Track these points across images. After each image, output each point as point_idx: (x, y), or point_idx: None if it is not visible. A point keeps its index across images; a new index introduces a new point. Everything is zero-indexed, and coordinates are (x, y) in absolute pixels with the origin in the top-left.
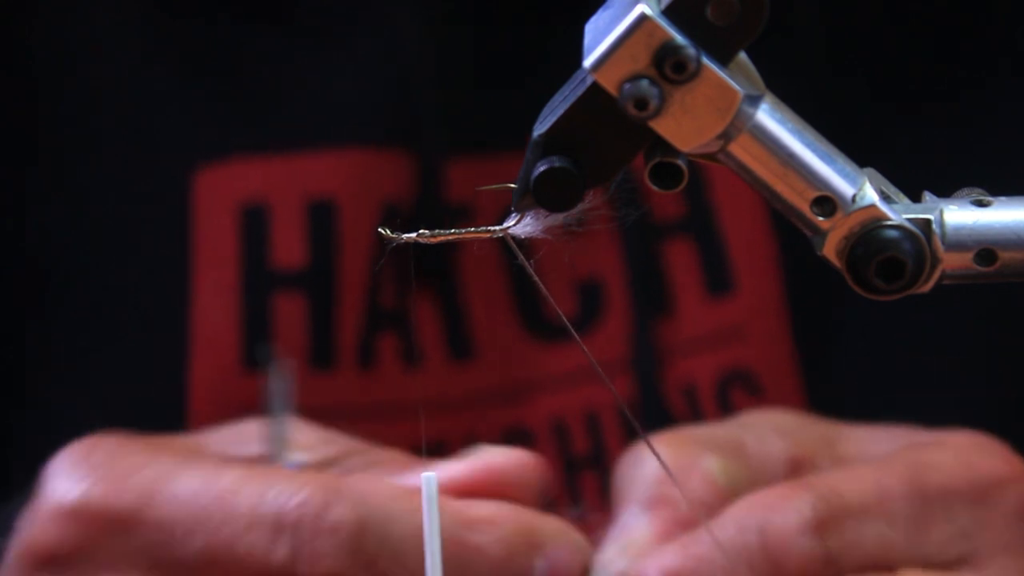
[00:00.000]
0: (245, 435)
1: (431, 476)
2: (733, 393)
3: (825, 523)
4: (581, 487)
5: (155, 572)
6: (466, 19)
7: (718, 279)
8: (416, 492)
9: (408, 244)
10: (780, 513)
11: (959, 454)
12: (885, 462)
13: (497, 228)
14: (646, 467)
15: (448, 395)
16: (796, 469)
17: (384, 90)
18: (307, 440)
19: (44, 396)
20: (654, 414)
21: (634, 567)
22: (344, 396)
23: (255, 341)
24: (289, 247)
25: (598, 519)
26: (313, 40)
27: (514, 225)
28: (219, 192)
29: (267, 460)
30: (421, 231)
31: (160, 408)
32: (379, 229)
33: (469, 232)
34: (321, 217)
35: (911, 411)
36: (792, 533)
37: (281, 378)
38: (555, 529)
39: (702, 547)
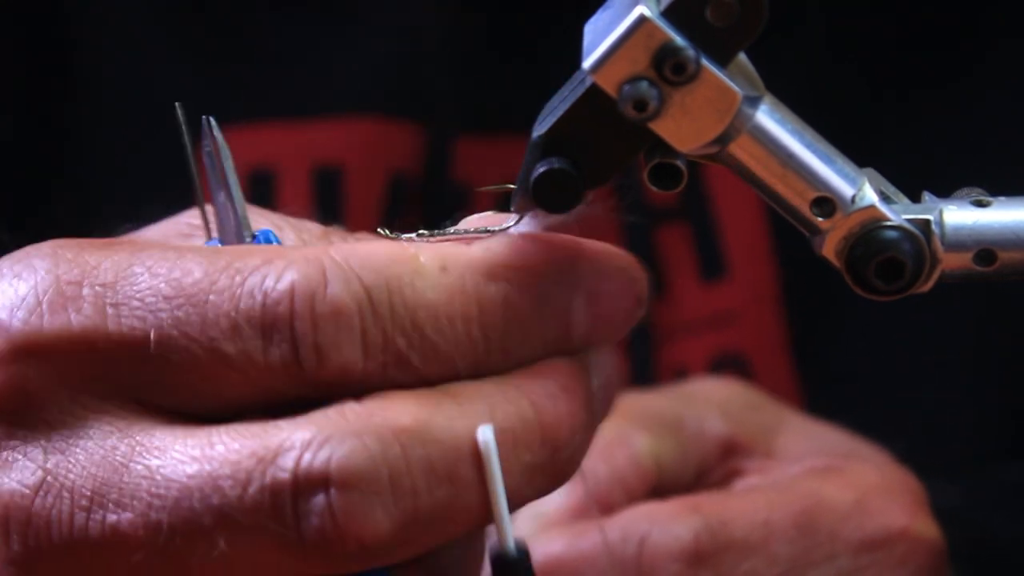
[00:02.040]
0: (183, 224)
1: (487, 430)
2: (726, 377)
3: (702, 554)
4: None
5: (134, 402)
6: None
7: (712, 264)
8: (424, 245)
9: (415, 222)
10: (663, 532)
11: (861, 496)
12: (784, 491)
13: (497, 228)
14: None
15: None
16: (728, 452)
17: (396, 64)
18: (270, 223)
19: None
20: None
21: (537, 539)
22: None
23: None
24: (295, 212)
25: None
26: (327, 12)
27: (514, 225)
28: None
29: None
30: (420, 231)
31: None
32: (379, 229)
33: (469, 233)
34: (328, 183)
35: (901, 395)
36: (667, 556)
37: (224, 146)
38: (607, 259)
39: (588, 544)
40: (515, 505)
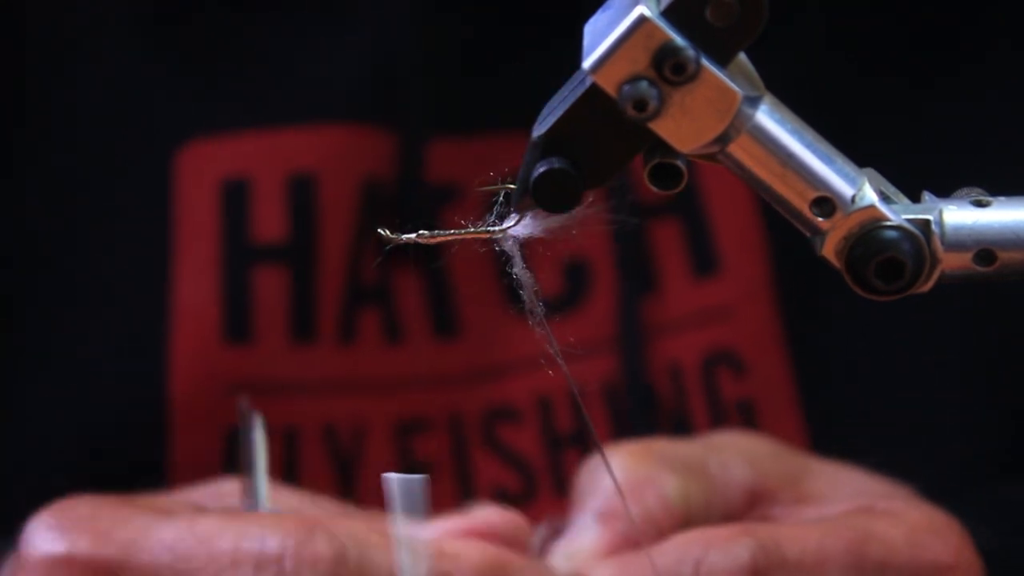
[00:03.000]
0: (223, 492)
1: (412, 478)
2: (718, 373)
3: (759, 573)
4: (565, 465)
5: None
6: (453, 2)
7: (704, 260)
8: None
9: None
10: (719, 553)
11: (909, 532)
12: (832, 523)
13: (497, 228)
14: (606, 477)
15: (431, 371)
16: (755, 500)
17: (367, 69)
18: (286, 502)
19: (25, 369)
20: (639, 393)
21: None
22: (324, 370)
23: (236, 314)
24: (270, 221)
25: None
26: (297, 18)
27: (514, 225)
28: (201, 167)
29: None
30: (420, 232)
31: (141, 381)
32: (379, 230)
33: (468, 233)
34: (302, 192)
35: (896, 393)
36: (725, 575)
37: (256, 429)
38: (525, 565)
39: (638, 570)
40: None
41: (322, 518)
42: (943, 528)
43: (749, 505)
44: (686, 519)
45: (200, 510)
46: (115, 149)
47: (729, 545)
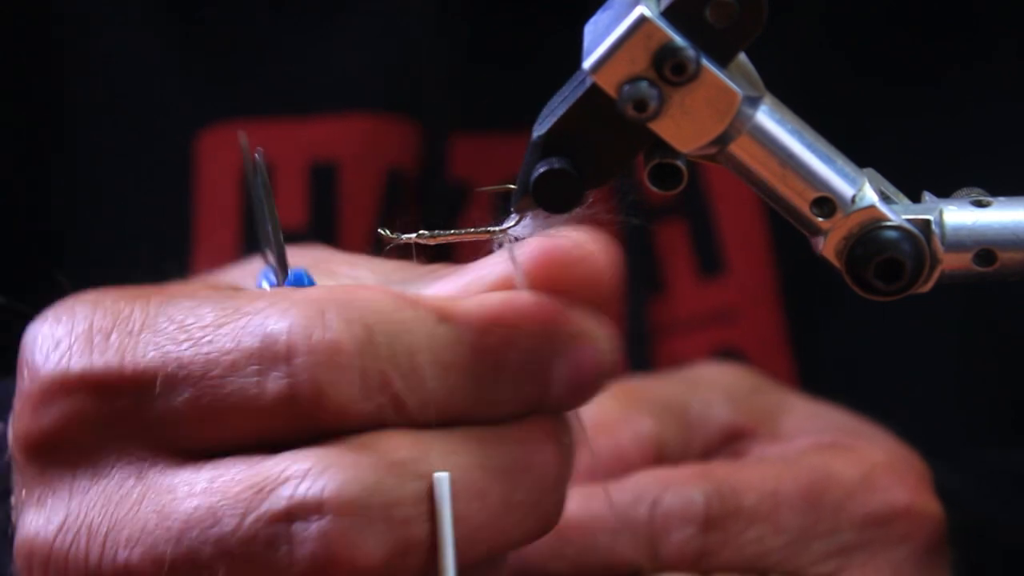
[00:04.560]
0: (250, 271)
1: (443, 477)
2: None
3: (712, 519)
4: None
5: (151, 442)
6: None
7: (710, 261)
8: (427, 294)
9: (412, 221)
10: (676, 495)
11: (866, 473)
12: (790, 463)
13: (497, 228)
14: (585, 412)
15: None
16: (733, 438)
17: (391, 60)
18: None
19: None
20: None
21: None
22: None
23: None
24: (290, 208)
25: None
26: (322, 9)
27: (514, 225)
28: (222, 153)
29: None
30: (421, 232)
31: None
32: (379, 230)
33: (469, 233)
34: (323, 180)
35: (899, 393)
36: (680, 519)
37: (261, 173)
38: (586, 328)
39: (598, 505)
40: (504, 547)
41: (336, 288)
42: (903, 468)
43: (726, 443)
44: (658, 458)
45: (207, 291)
46: (138, 134)
47: (685, 488)
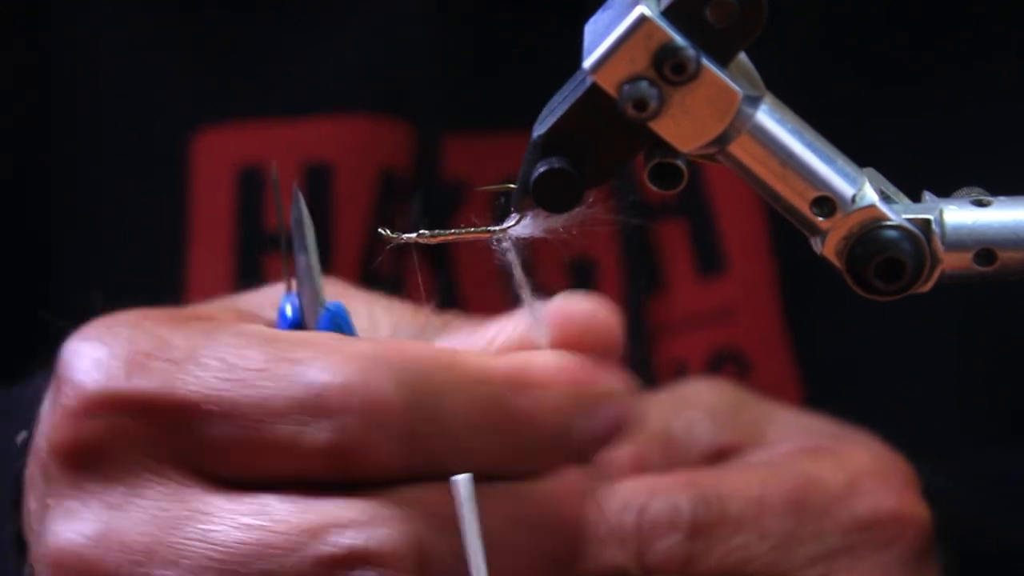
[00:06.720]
0: (269, 297)
1: (466, 478)
2: (724, 372)
3: (698, 527)
4: None
5: (188, 467)
6: None
7: (710, 260)
8: (465, 354)
9: (409, 222)
10: (663, 503)
11: (852, 478)
12: (776, 468)
13: (497, 228)
14: None
15: None
16: (718, 458)
17: (384, 61)
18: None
19: (44, 355)
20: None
21: None
22: None
23: None
24: (286, 209)
25: None
26: (315, 10)
27: (514, 225)
28: (217, 155)
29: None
30: (421, 232)
31: None
32: (379, 230)
33: (469, 232)
34: (317, 181)
35: (900, 393)
36: (664, 526)
37: (299, 205)
38: (611, 386)
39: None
40: None
41: (386, 345)
42: (888, 472)
43: (711, 463)
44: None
45: (248, 327)
46: (135, 135)
47: (672, 495)
